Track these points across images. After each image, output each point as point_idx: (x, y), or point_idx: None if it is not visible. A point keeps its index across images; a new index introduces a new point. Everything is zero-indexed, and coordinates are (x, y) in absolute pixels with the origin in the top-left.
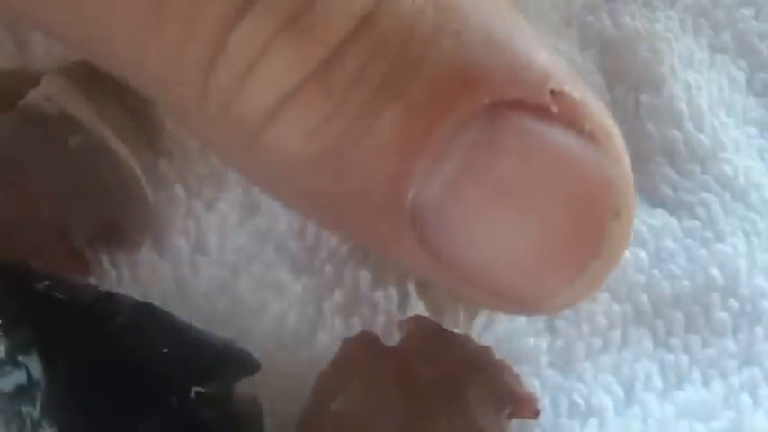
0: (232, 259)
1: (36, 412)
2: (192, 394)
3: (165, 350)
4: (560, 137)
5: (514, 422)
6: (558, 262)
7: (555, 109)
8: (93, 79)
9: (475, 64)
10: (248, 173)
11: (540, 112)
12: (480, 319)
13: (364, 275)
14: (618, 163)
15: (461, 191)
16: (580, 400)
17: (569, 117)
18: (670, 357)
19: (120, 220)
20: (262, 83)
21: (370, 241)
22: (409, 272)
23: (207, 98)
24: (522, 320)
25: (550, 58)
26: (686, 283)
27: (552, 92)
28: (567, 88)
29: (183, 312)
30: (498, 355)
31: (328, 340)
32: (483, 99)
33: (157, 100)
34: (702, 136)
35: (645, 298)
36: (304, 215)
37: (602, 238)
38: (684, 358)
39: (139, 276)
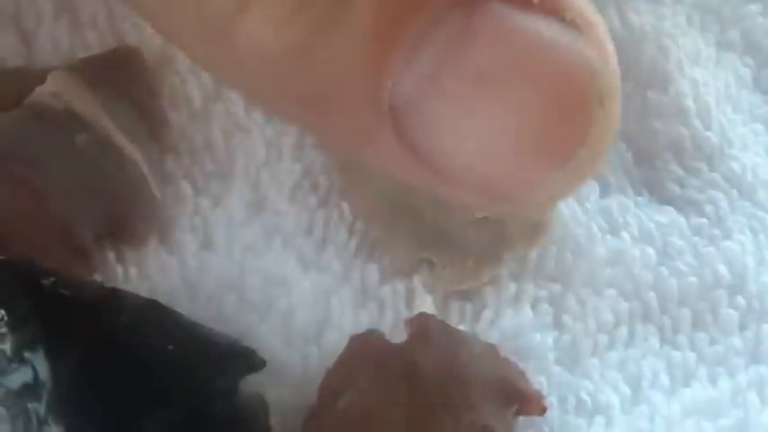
0: (239, 256)
1: (42, 409)
2: (198, 391)
3: (171, 347)
4: (540, 25)
5: (521, 419)
6: (541, 150)
7: None
8: (99, 77)
9: None
10: (222, 73)
11: (521, 1)
12: (486, 315)
13: (372, 271)
14: (600, 49)
15: (440, 83)
16: (587, 398)
17: (549, 6)
18: (677, 355)
19: (127, 217)
20: None
21: (345, 141)
22: (387, 173)
23: None
24: (528, 315)
25: None
26: (693, 280)
27: None
28: None
29: (190, 309)
30: (505, 350)
31: (336, 337)
32: None
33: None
34: (710, 133)
35: (652, 295)
36: (279, 116)
37: (587, 124)
38: (691, 356)
39: (146, 273)
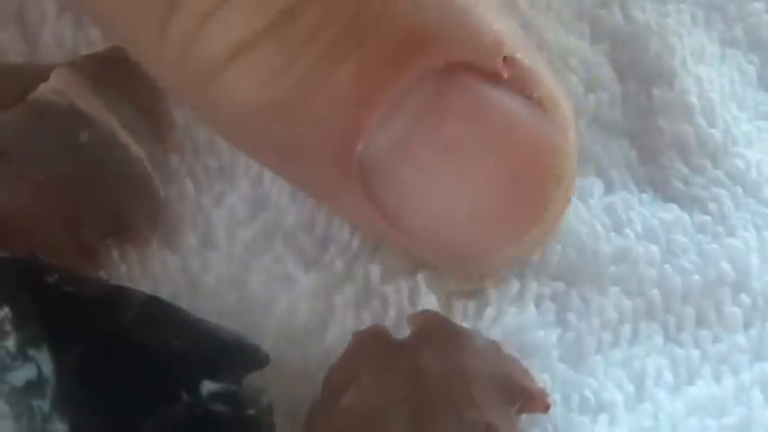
0: (241, 254)
1: (46, 406)
2: (202, 388)
3: (175, 344)
4: (509, 101)
5: (524, 417)
6: (499, 224)
7: (506, 74)
8: (102, 74)
9: (431, 25)
10: (203, 117)
11: (491, 76)
12: (489, 312)
13: (375, 269)
14: (562, 131)
15: (410, 148)
16: (591, 396)
17: (519, 83)
18: (681, 352)
19: (131, 215)
20: (219, 30)
21: (317, 192)
22: (355, 225)
23: (165, 41)
24: (531, 313)
25: (506, 24)
26: (697, 277)
27: (505, 58)
28: (518, 55)
29: (192, 307)
30: (508, 348)
31: (338, 334)
32: (437, 60)
33: (119, 38)
34: (714, 130)
35: (656, 293)
36: (256, 161)
37: (545, 203)
38: (695, 353)
39: (149, 271)
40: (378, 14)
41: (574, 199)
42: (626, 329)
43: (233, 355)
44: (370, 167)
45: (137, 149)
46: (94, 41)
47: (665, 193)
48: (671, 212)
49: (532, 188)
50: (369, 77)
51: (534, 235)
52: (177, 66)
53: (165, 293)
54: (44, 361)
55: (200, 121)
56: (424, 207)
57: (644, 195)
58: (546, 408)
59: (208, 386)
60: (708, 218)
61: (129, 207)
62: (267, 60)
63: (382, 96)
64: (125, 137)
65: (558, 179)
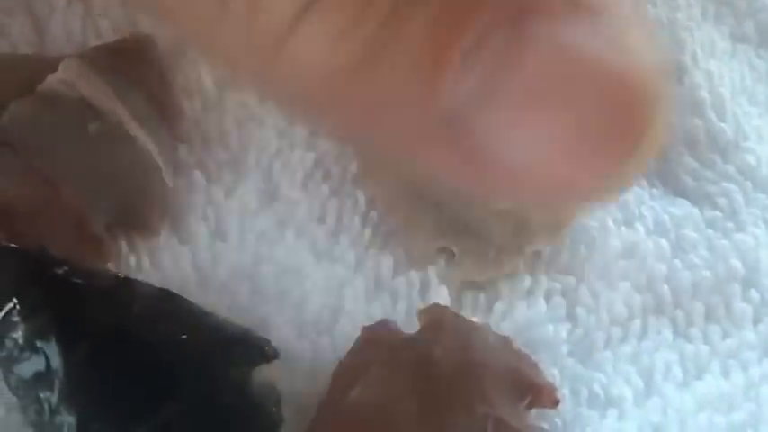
0: (252, 246)
1: (54, 398)
2: (211, 381)
3: (183, 336)
4: (586, 39)
5: (534, 412)
6: (592, 159)
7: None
8: (111, 65)
9: None
10: (268, 86)
11: (568, 15)
12: (499, 306)
13: (386, 262)
14: (644, 65)
15: (491, 95)
16: (600, 391)
17: (598, 21)
18: (690, 348)
19: (140, 206)
20: None
21: (400, 149)
22: (439, 182)
23: (226, 14)
24: (541, 308)
25: None
26: (707, 273)
27: None
28: None
29: (202, 299)
30: (518, 342)
31: (348, 328)
32: (509, 3)
33: (178, 20)
34: (724, 125)
35: (665, 288)
36: (333, 128)
37: (637, 136)
38: (704, 349)
39: (159, 263)
40: None
41: None
42: (635, 325)
43: (241, 348)
44: (453, 116)
45: (146, 141)
46: (103, 33)
47: (675, 188)
48: (681, 207)
49: (624, 122)
50: (444, 25)
51: (627, 169)
52: (243, 38)
53: (174, 286)
54: (52, 353)
55: (264, 91)
56: (511, 152)
57: (654, 190)
58: (555, 402)
59: (216, 378)
60: (718, 213)
61: (137, 198)
62: (338, 16)
63: (459, 44)
64: (134, 128)
65: (648, 113)
